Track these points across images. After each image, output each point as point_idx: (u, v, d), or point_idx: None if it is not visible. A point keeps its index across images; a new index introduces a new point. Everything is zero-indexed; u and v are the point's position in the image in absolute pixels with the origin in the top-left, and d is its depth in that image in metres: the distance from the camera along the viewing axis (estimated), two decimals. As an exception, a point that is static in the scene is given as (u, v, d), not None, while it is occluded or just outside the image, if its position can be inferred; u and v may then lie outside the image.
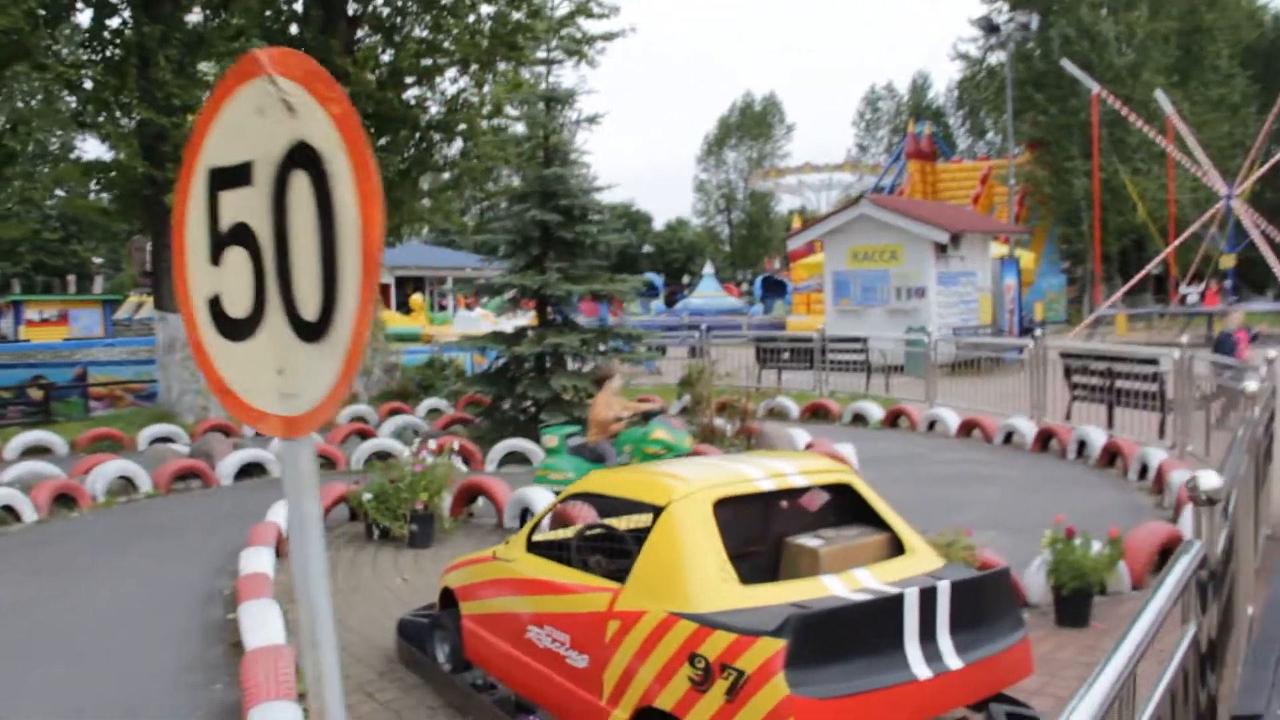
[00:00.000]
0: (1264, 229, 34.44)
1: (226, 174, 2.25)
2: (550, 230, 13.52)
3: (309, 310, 2.12)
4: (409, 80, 19.54)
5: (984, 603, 4.13)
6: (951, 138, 64.62)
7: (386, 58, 19.14)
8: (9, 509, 10.43)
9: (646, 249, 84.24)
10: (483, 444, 13.29)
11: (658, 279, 51.38)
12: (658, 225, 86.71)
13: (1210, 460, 10.77)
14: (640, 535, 4.44)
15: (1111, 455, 11.75)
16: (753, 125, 78.33)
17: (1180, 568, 2.73)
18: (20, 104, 15.36)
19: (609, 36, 20.46)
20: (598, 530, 5.01)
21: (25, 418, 18.90)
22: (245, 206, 2.21)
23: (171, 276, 15.61)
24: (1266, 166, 34.61)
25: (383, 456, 13.20)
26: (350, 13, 18.40)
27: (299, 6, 18.86)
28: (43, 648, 6.52)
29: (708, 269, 47.47)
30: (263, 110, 2.13)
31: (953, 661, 3.86)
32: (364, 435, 14.74)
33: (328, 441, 14.16)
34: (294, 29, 18.19)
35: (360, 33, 19.22)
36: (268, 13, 18.11)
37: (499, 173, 15.91)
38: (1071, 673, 5.57)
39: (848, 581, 4.13)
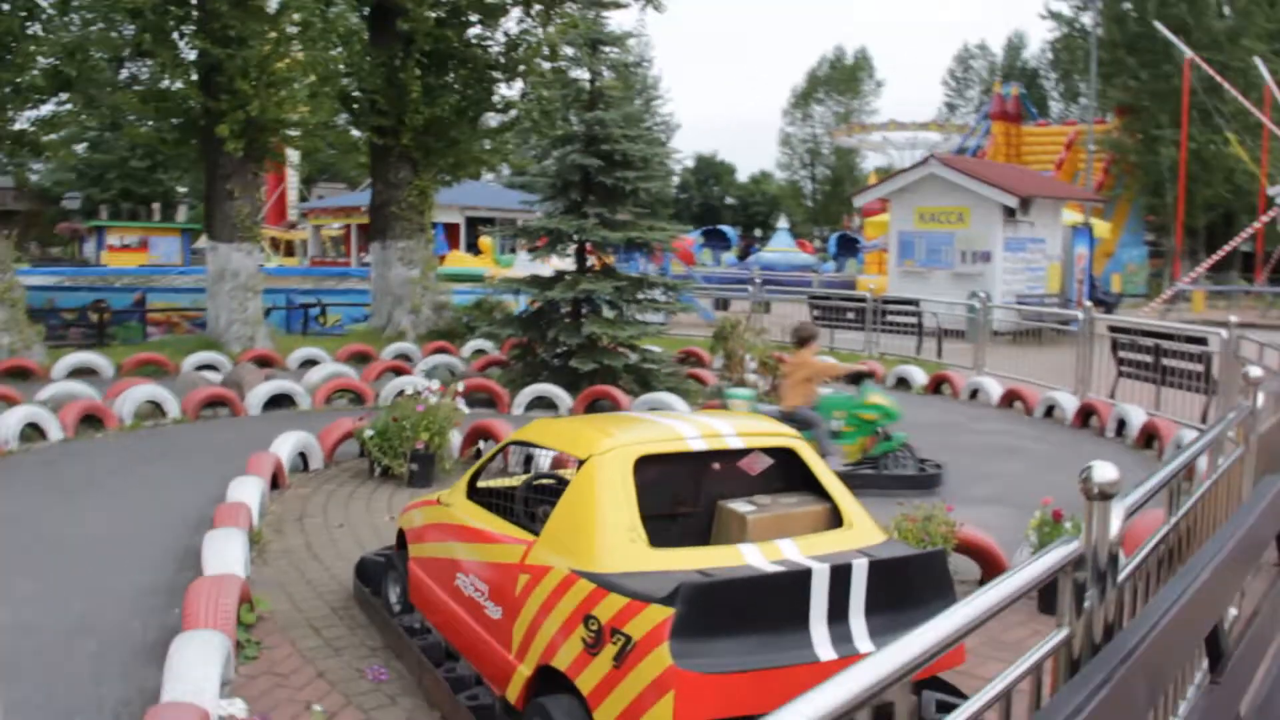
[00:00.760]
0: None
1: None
2: (590, 175, 13.34)
3: None
4: (472, 18, 19.38)
5: (910, 584, 3.91)
6: (1045, 100, 62.79)
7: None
8: (35, 427, 10.64)
9: (729, 201, 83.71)
10: (514, 388, 13.26)
11: (731, 231, 50.83)
12: (741, 178, 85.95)
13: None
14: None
15: (1149, 436, 11.32)
16: (841, 80, 76.79)
17: (1037, 566, 2.52)
18: (75, 31, 15.45)
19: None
20: (546, 480, 4.89)
21: (85, 339, 19.34)
22: None
23: (223, 208, 15.87)
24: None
25: (435, 394, 13.28)
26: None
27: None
28: (22, 562, 6.61)
29: (782, 223, 46.82)
30: None
31: (864, 644, 3.66)
32: (399, 372, 14.76)
33: (363, 378, 14.25)
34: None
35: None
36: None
37: (565, 115, 15.72)
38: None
39: (767, 552, 3.95)
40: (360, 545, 7.13)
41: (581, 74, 13.92)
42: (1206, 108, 35.12)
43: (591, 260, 13.91)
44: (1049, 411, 13.30)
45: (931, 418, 13.05)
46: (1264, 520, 3.86)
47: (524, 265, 23.15)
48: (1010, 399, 14.01)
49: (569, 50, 13.65)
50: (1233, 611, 4.14)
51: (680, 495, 4.56)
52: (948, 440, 11.72)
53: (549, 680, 3.87)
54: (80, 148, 58.85)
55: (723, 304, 26.68)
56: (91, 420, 11.30)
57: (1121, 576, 3.07)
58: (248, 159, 16.70)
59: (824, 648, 3.58)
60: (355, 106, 19.26)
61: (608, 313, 13.82)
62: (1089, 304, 14.53)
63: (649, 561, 3.81)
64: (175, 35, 16.04)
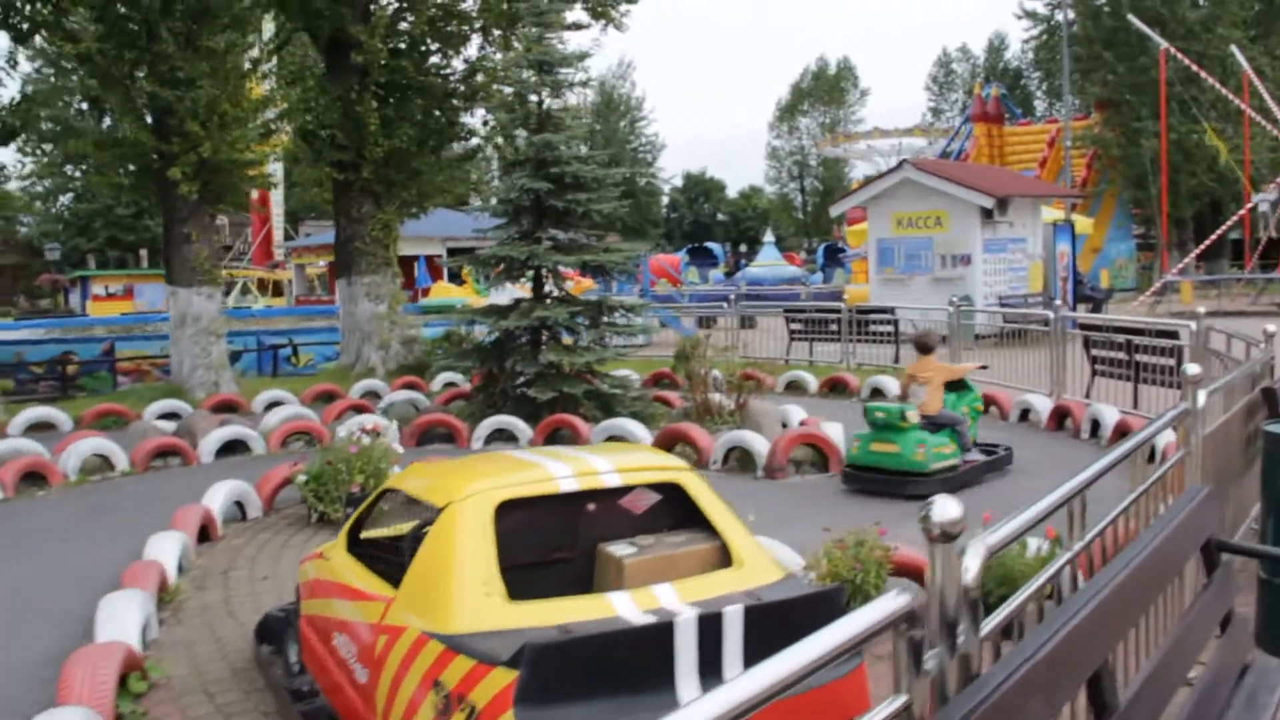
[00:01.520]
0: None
1: None
2: (541, 199, 13.07)
3: None
4: (429, 48, 19.18)
5: (798, 629, 3.58)
6: (1029, 100, 62.65)
7: (405, 25, 18.77)
8: (-31, 486, 10.34)
9: (721, 217, 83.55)
10: (474, 421, 12.96)
11: (718, 248, 50.64)
12: (731, 194, 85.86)
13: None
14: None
15: (1124, 435, 10.97)
16: (826, 90, 76.82)
17: (856, 622, 2.20)
18: (26, 81, 15.24)
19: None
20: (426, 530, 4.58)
21: (54, 392, 19.07)
22: None
23: (181, 252, 15.58)
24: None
25: (370, 434, 12.97)
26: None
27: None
28: None
29: (768, 237, 46.56)
30: None
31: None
32: (361, 411, 14.43)
33: (323, 418, 13.95)
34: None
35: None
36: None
37: (511, 139, 15.49)
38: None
39: (641, 600, 3.63)
40: (282, 599, 6.81)
41: (534, 96, 13.62)
42: (1185, 98, 34.88)
43: (550, 286, 13.65)
44: (1024, 415, 12.99)
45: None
46: (1178, 539, 3.54)
47: (508, 294, 22.87)
48: (986, 404, 13.65)
49: (524, 73, 13.32)
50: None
51: (556, 540, 4.24)
52: (916, 451, 11.41)
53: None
54: (66, 198, 59.17)
55: (707, 322, 26.38)
56: (36, 477, 11.00)
57: (994, 624, 2.76)
58: (203, 201, 16.44)
59: (693, 705, 3.26)
60: (314, 142, 19.01)
61: (568, 338, 13.54)
62: (1058, 303, 14.20)
63: (506, 618, 3.49)
64: (127, 80, 15.77)
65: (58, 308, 50.23)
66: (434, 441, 12.82)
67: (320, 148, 18.88)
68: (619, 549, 4.00)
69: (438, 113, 19.29)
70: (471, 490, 3.85)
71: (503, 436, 12.66)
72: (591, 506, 4.20)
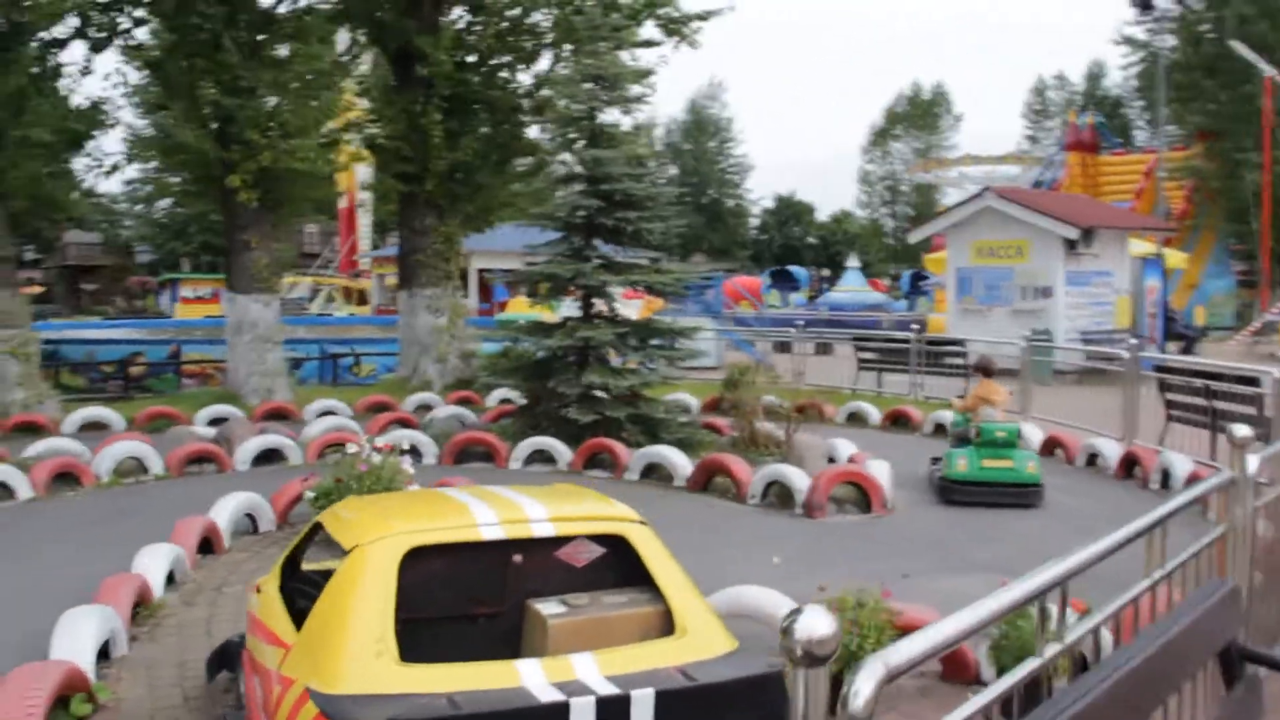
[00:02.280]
0: None
1: None
2: (592, 217, 12.75)
3: None
4: (499, 60, 19.03)
5: (726, 716, 3.14)
6: (1128, 130, 60.87)
7: (473, 38, 18.65)
8: (3, 485, 10.30)
9: (811, 240, 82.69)
10: (514, 441, 12.65)
11: (801, 271, 50.00)
12: (822, 217, 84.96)
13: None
14: None
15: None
16: (919, 115, 75.76)
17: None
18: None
19: (705, 16, 19.55)
20: None
21: (122, 392, 19.30)
22: None
23: (240, 259, 15.60)
24: None
25: (380, 451, 12.72)
26: (435, -10, 17.95)
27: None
28: None
29: (852, 262, 45.79)
30: None
31: None
32: (406, 424, 14.22)
33: (368, 430, 13.74)
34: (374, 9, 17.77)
35: (455, 12, 18.78)
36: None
37: (561, 154, 15.25)
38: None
39: (553, 670, 3.22)
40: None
41: (587, 111, 13.28)
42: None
43: (600, 305, 13.31)
44: (1091, 460, 12.28)
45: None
46: (1186, 644, 3.02)
47: (568, 309, 22.47)
48: (1051, 446, 13.00)
49: (582, 87, 13.02)
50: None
51: (480, 593, 3.82)
52: (967, 493, 10.82)
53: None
54: (166, 202, 60.58)
55: (782, 348, 25.84)
56: (71, 478, 10.95)
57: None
58: (264, 209, 16.44)
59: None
60: (381, 154, 18.98)
61: (616, 361, 13.19)
62: (1133, 341, 13.43)
63: (395, 681, 3.12)
64: (192, 88, 15.87)
65: (149, 309, 51.43)
66: (473, 460, 12.55)
67: (386, 160, 18.84)
68: (547, 607, 3.59)
69: (504, 127, 19.12)
70: (380, 534, 3.49)
71: (542, 458, 12.34)
72: (518, 558, 3.78)
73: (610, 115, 13.21)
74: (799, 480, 9.98)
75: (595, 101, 12.88)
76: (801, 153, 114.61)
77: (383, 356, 22.00)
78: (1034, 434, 13.30)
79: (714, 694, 3.11)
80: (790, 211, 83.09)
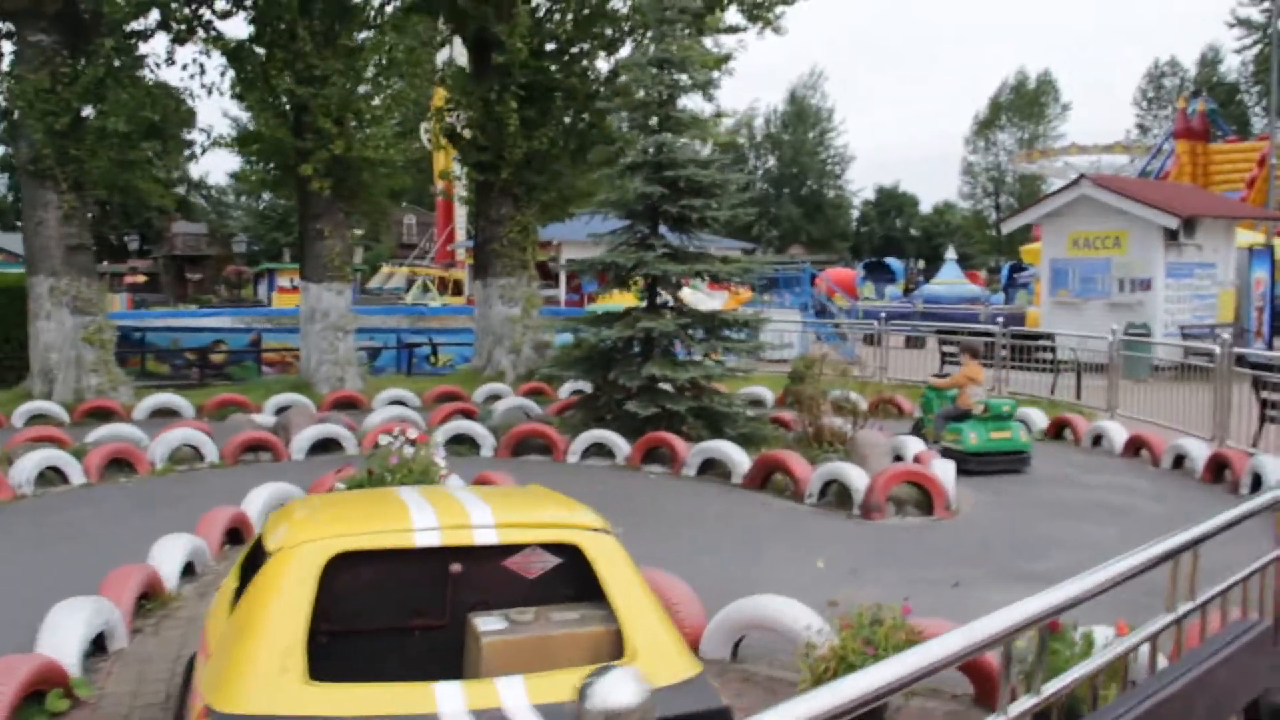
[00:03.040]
0: None
1: None
2: (656, 204, 12.40)
3: None
4: (580, 49, 18.78)
5: None
6: (1245, 117, 58.35)
7: (550, 25, 18.44)
8: (57, 470, 10.35)
9: (913, 233, 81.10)
10: (573, 434, 12.38)
11: (896, 263, 48.92)
12: (925, 208, 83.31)
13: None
14: None
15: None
16: (1025, 104, 73.66)
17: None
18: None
19: (790, 0, 19.08)
20: None
21: (199, 379, 19.55)
22: None
23: (314, 248, 15.62)
24: None
25: (460, 440, 12.56)
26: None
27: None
28: None
29: (949, 254, 44.58)
30: None
31: None
32: (467, 415, 14.04)
33: (430, 420, 13.60)
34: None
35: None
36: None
37: (626, 139, 14.92)
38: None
39: (475, 696, 2.89)
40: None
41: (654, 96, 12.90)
42: None
43: (665, 296, 12.97)
44: (1178, 462, 11.55)
45: (1034, 468, 11.51)
46: (1202, 693, 2.57)
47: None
48: (1136, 446, 12.29)
49: (654, 70, 12.62)
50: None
51: (420, 604, 3.48)
52: (1038, 495, 10.28)
53: None
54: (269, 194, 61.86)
55: (871, 340, 25.20)
56: (125, 464, 10.98)
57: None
58: (337, 198, 16.42)
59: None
60: (459, 143, 18.87)
61: (681, 353, 12.83)
62: (1225, 336, 12.59)
63: (297, 701, 2.82)
64: (269, 78, 15.92)
65: (249, 299, 52.51)
66: (531, 453, 12.31)
67: (464, 148, 18.73)
68: (486, 623, 3.25)
69: (582, 115, 18.87)
70: (304, 538, 3.20)
71: (601, 452, 12.05)
72: (456, 567, 3.44)
73: (685, 101, 12.86)
74: (858, 479, 9.51)
75: (661, 86, 12.51)
76: (904, 144, 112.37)
77: (460, 346, 21.94)
78: (1118, 433, 12.61)
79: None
80: (892, 203, 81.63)
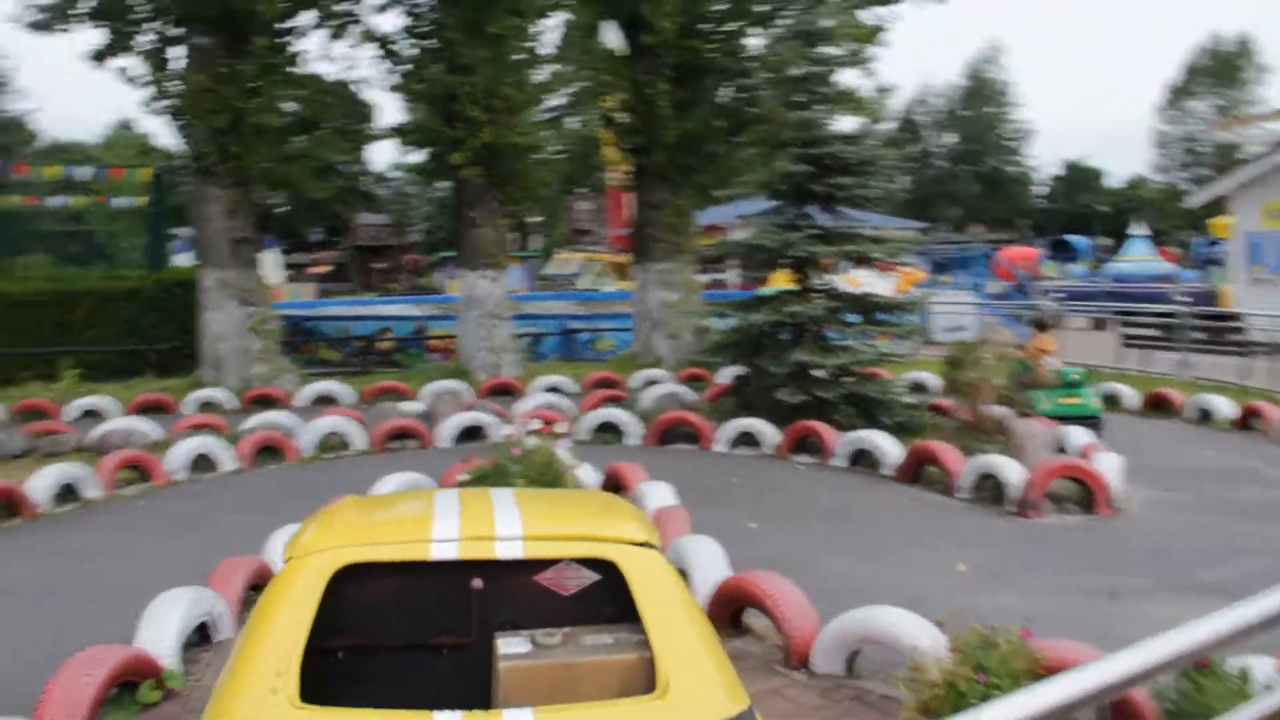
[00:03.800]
0: None
1: None
2: (801, 183, 11.93)
3: None
4: (733, 26, 18.35)
5: None
6: None
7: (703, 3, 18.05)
8: (207, 457, 10.62)
9: (1101, 208, 77.37)
10: (721, 421, 12.05)
11: (1081, 241, 46.62)
12: (1114, 183, 79.34)
13: None
14: None
15: None
16: (1221, 70, 69.17)
17: None
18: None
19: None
20: None
21: (362, 367, 20.04)
22: None
23: (469, 236, 15.74)
24: None
25: (606, 428, 12.38)
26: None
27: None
28: (33, 605, 6.39)
29: (1138, 230, 42.16)
30: None
31: None
32: (617, 402, 13.86)
33: (581, 407, 13.46)
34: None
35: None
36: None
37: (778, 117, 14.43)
38: None
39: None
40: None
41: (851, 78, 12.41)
42: None
43: (817, 278, 12.48)
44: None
45: (1215, 462, 10.60)
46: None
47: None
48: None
49: (793, 43, 12.15)
50: None
51: (444, 620, 3.18)
52: (1219, 493, 9.39)
53: None
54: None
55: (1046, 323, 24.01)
56: (276, 452, 11.21)
57: None
58: (489, 186, 16.48)
59: None
60: (614, 127, 18.73)
61: (836, 337, 12.32)
62: None
63: (283, 726, 2.58)
64: (421, 68, 16.10)
65: (429, 287, 53.89)
66: (678, 441, 12.03)
67: (618, 132, 18.57)
68: (509, 645, 2.94)
69: (737, 95, 18.42)
70: (314, 547, 2.96)
71: (748, 441, 11.67)
72: (477, 582, 3.11)
73: (840, 76, 12.35)
74: (1013, 473, 8.86)
75: (804, 59, 12.01)
76: (1091, 116, 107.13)
77: (622, 332, 21.83)
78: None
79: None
80: (1079, 178, 78.01)
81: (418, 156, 18.57)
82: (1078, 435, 10.35)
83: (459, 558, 3.00)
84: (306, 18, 15.96)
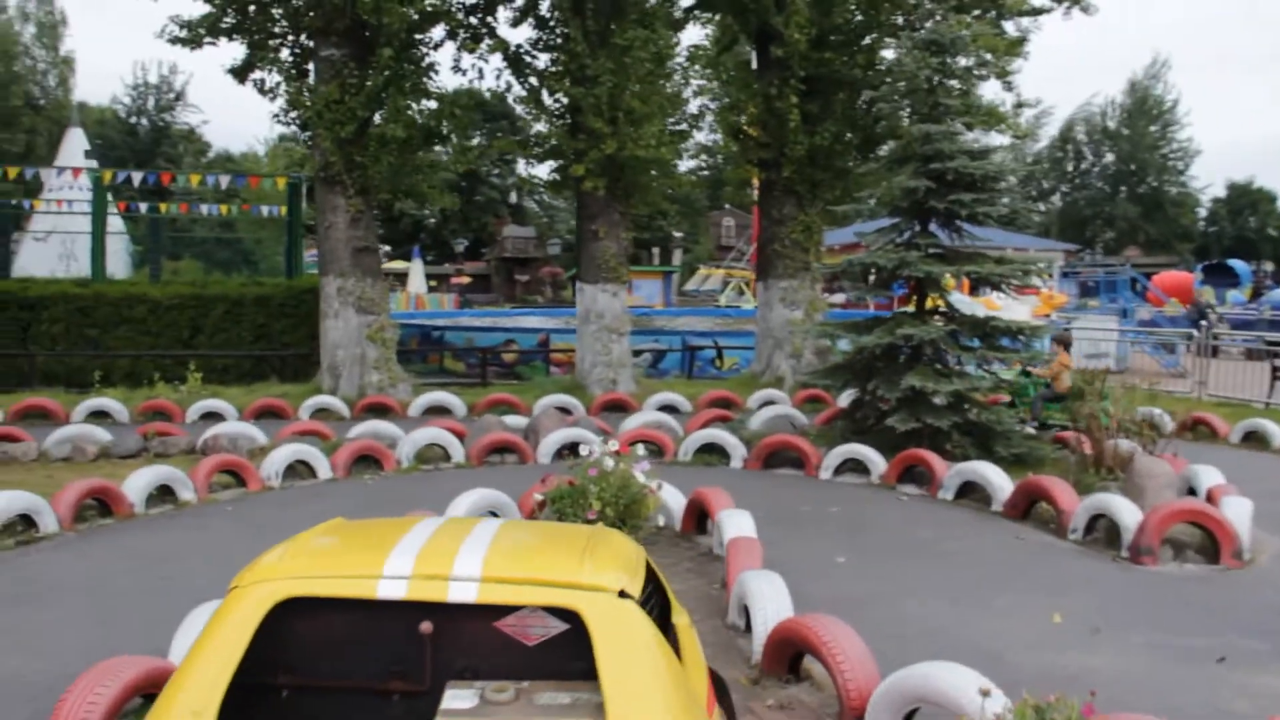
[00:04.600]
0: None
1: None
2: (920, 200, 11.41)
3: None
4: (868, 40, 17.89)
5: None
6: None
7: (834, 15, 17.63)
8: (305, 464, 10.68)
9: (1271, 232, 73.41)
10: (829, 445, 11.60)
11: (1242, 266, 44.20)
12: (1288, 205, 75.14)
13: None
14: None
15: None
16: None
17: None
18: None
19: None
20: None
21: (486, 378, 20.12)
22: None
23: (589, 249, 15.68)
24: None
25: (710, 449, 12.05)
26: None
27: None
28: (100, 604, 6.48)
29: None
30: None
31: None
32: (724, 422, 13.50)
33: (686, 428, 13.15)
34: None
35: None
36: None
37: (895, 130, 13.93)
38: None
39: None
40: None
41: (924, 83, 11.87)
42: None
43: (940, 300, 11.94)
44: None
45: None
46: None
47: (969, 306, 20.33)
48: None
49: (917, 53, 11.64)
50: None
51: (398, 663, 2.91)
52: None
53: None
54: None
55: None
56: (375, 461, 11.22)
57: None
58: (611, 198, 16.35)
59: None
60: (741, 140, 18.42)
61: (953, 361, 11.76)
62: None
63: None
64: (545, 79, 16.10)
65: (569, 299, 54.31)
66: (783, 466, 11.63)
67: (747, 145, 18.26)
68: (456, 698, 2.65)
69: (869, 109, 17.92)
70: (259, 576, 2.75)
71: (855, 467, 11.19)
72: (426, 625, 2.82)
73: (983, 91, 11.79)
74: (1129, 515, 8.21)
75: (927, 69, 11.50)
76: (1261, 136, 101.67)
77: (745, 350, 21.45)
78: None
79: None
80: (1245, 200, 74.17)
81: (544, 169, 18.67)
82: (1208, 475, 9.58)
83: (406, 597, 2.75)
84: (436, 31, 16.11)
